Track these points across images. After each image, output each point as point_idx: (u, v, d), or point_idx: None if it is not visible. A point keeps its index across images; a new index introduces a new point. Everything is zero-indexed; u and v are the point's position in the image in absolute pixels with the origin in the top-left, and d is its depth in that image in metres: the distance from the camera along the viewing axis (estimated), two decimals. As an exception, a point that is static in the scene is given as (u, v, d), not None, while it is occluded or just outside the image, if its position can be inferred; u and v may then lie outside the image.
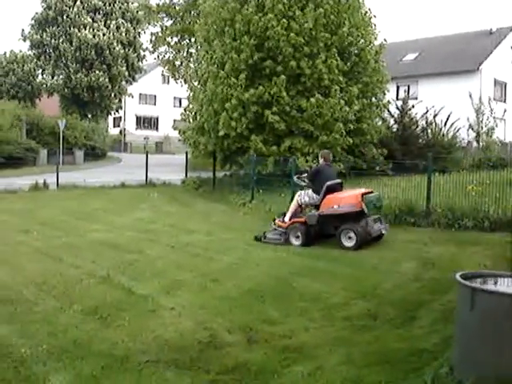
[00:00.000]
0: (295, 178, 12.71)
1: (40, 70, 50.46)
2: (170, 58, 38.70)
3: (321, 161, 12.27)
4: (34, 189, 22.03)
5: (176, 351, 5.96)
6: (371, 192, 11.66)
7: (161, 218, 15.76)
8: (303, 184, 12.11)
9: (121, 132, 61.44)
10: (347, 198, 11.16)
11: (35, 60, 49.15)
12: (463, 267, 8.02)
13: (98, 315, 7.17)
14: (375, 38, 21.25)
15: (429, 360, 5.23)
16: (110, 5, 48.45)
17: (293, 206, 11.88)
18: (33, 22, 47.77)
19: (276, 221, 12.08)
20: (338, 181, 11.88)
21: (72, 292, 8.28)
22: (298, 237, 11.49)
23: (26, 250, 11.53)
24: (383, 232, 11.34)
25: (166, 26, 37.41)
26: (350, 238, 10.86)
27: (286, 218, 11.80)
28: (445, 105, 23.60)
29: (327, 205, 11.20)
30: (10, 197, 20.35)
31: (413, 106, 22.78)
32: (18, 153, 33.42)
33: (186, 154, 25.52)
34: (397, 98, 28.54)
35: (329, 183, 11.39)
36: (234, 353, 5.88)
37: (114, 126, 65.54)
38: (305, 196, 11.75)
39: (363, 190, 11.46)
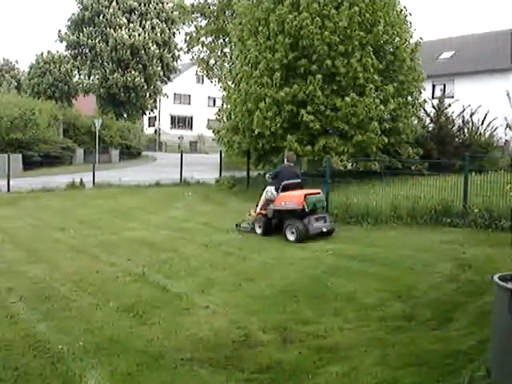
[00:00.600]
0: (267, 175, 14.23)
1: (76, 70, 51.10)
2: (205, 58, 38.88)
3: (285, 161, 13.69)
4: (71, 187, 22.37)
5: (210, 350, 5.99)
6: (317, 193, 12.86)
7: (195, 217, 15.86)
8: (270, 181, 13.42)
9: (156, 131, 61.94)
10: (292, 197, 12.52)
11: (72, 60, 49.82)
12: (500, 269, 7.87)
13: (133, 312, 7.26)
14: (411, 36, 20.98)
15: (465, 362, 5.16)
16: (145, 5, 48.89)
17: (262, 200, 13.34)
18: (69, 23, 48.44)
19: (251, 211, 13.65)
20: (297, 181, 13.14)
21: (108, 289, 8.40)
22: (260, 226, 12.99)
23: (62, 248, 11.74)
24: (323, 230, 12.28)
25: (200, 26, 37.59)
26: (292, 232, 12.08)
27: (257, 210, 13.33)
28: (482, 103, 23.15)
29: (279, 201, 12.71)
30: (48, 195, 20.71)
31: (449, 105, 22.43)
32: (55, 152, 33.97)
33: (220, 153, 25.61)
34: (432, 97, 28.13)
35: (286, 182, 12.86)
36: (269, 352, 5.89)
37: (149, 126, 66.19)
38: (269, 192, 13.09)
39: (307, 191, 12.74)
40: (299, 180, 13.20)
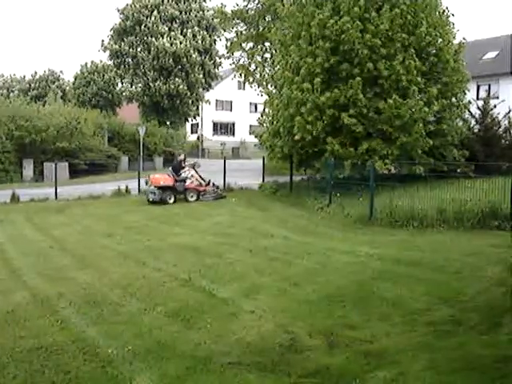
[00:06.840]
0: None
1: (119, 79, 51.92)
2: (245, 64, 39.02)
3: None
4: (117, 194, 22.68)
5: (258, 354, 6.03)
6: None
7: (239, 222, 15.91)
8: None
9: (198, 138, 62.36)
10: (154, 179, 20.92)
11: (115, 69, 50.63)
12: (551, 272, 7.73)
13: (180, 317, 7.35)
14: (454, 37, 20.73)
15: (516, 367, 5.08)
16: (186, 13, 49.33)
17: None
18: (112, 32, 49.24)
19: None
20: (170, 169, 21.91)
21: (155, 294, 8.52)
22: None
23: (110, 254, 11.94)
24: (150, 199, 20.34)
25: (240, 32, 37.74)
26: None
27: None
28: (528, 104, 22.69)
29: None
30: (94, 202, 21.07)
31: (494, 106, 22.06)
32: (101, 160, 34.57)
33: (263, 158, 25.60)
34: (477, 98, 27.70)
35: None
36: (316, 357, 5.89)
37: (192, 133, 66.59)
38: None
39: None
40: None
